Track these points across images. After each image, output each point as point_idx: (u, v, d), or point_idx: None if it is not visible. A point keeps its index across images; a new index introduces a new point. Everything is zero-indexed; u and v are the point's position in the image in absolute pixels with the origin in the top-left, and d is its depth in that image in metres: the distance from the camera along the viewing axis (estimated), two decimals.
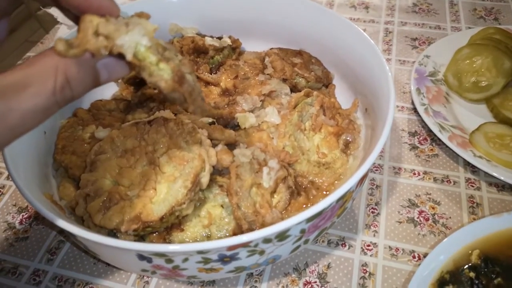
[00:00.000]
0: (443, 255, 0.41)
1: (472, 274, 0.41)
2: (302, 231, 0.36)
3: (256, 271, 0.47)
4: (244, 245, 0.34)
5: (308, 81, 0.54)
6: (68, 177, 0.48)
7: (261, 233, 0.32)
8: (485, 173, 0.55)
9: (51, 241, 0.52)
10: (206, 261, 0.35)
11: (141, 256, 0.34)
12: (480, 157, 0.53)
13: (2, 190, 0.58)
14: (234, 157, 0.44)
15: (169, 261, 0.35)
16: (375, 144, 0.39)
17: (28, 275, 0.49)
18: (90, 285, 0.47)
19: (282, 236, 0.35)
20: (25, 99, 0.24)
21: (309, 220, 0.35)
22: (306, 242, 0.39)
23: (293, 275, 0.47)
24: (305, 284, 0.46)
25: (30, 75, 0.24)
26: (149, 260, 0.35)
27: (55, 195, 0.45)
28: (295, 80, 0.54)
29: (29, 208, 0.56)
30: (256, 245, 0.34)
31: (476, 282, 0.40)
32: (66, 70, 0.25)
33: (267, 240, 0.34)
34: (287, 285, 0.46)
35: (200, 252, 0.33)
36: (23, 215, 0.55)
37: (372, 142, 0.43)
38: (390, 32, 0.80)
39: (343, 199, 0.38)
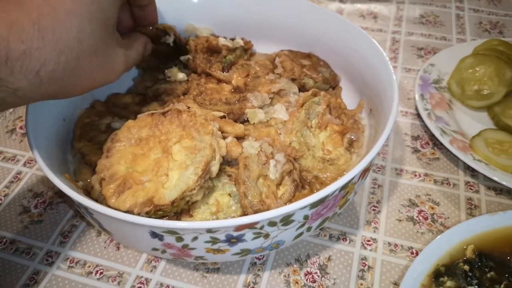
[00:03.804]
0: (439, 249, 0.43)
1: (466, 267, 0.43)
2: (306, 217, 0.38)
3: (259, 260, 0.49)
4: (251, 226, 0.36)
5: (316, 81, 0.57)
6: (85, 163, 0.50)
7: (267, 214, 0.34)
8: (484, 177, 0.57)
9: (64, 225, 0.54)
10: (214, 241, 0.37)
11: (154, 234, 0.37)
12: (479, 160, 0.55)
13: (19, 176, 0.60)
14: (243, 148, 0.46)
15: (180, 239, 0.37)
16: (377, 140, 0.41)
17: (41, 256, 0.51)
18: (100, 267, 0.50)
19: (286, 220, 0.37)
20: (134, 51, 0.45)
21: (312, 206, 0.37)
22: (309, 229, 0.41)
23: (295, 266, 0.49)
24: (306, 274, 0.48)
25: (134, 41, 0.46)
26: (160, 238, 0.37)
27: (73, 178, 0.48)
28: (303, 81, 0.56)
29: (44, 193, 0.58)
30: (261, 228, 0.37)
31: (470, 274, 0.42)
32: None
33: (272, 223, 0.37)
34: (288, 274, 0.48)
35: (209, 230, 0.35)
36: (38, 200, 0.57)
37: (375, 139, 0.46)
38: (397, 41, 0.82)
39: (345, 189, 0.40)
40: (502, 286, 0.41)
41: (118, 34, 0.41)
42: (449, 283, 0.42)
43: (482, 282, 0.42)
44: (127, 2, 0.47)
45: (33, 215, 0.56)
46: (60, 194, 0.57)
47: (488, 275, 0.42)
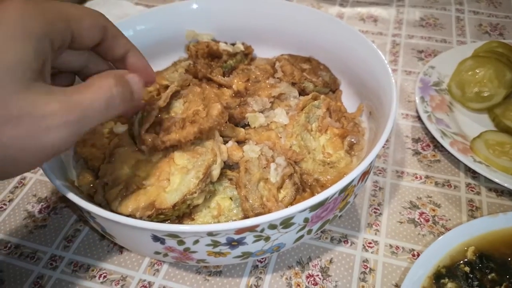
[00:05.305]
0: (440, 250, 0.43)
1: (467, 269, 0.43)
2: (306, 220, 0.39)
3: (261, 262, 0.50)
4: (251, 229, 0.36)
5: (316, 85, 0.57)
6: (88, 168, 0.51)
7: (267, 217, 0.35)
8: (485, 178, 0.57)
9: (68, 229, 0.55)
10: (215, 244, 0.37)
11: (156, 237, 0.37)
12: (480, 162, 0.55)
13: (23, 181, 0.61)
14: (244, 152, 0.47)
15: (181, 242, 0.37)
16: (376, 143, 0.42)
17: (45, 260, 0.52)
18: (104, 271, 0.50)
19: (286, 223, 0.37)
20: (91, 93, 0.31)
21: (312, 209, 0.38)
22: (309, 232, 0.42)
23: (297, 268, 0.49)
24: (307, 277, 0.48)
25: (90, 95, 0.31)
26: (162, 242, 0.38)
27: (75, 183, 0.48)
28: (303, 84, 0.57)
29: (48, 198, 0.59)
30: (262, 230, 0.37)
31: (471, 276, 0.42)
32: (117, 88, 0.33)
33: (272, 226, 0.37)
34: (290, 277, 0.49)
35: (210, 234, 0.36)
36: (42, 205, 0.58)
37: (374, 142, 0.46)
38: (397, 44, 0.83)
39: (345, 192, 0.40)
40: (502, 287, 0.41)
41: (51, 87, 0.30)
42: (449, 285, 0.42)
43: (483, 283, 0.42)
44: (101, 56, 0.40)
45: (37, 220, 0.56)
46: (63, 199, 0.58)
47: (489, 276, 0.42)
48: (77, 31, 0.34)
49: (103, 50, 0.39)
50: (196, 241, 0.37)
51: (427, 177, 0.59)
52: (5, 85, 0.27)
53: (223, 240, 0.37)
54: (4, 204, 0.58)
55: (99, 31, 0.36)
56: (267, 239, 0.38)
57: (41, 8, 0.31)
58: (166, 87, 0.59)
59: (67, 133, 0.29)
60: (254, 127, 0.52)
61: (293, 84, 0.57)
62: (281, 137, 0.51)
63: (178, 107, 0.46)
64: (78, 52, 0.38)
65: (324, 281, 0.48)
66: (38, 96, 0.28)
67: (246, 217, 0.44)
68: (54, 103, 0.29)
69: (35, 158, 0.29)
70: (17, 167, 0.30)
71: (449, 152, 0.57)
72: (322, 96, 0.54)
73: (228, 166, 0.47)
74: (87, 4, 0.92)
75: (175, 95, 0.47)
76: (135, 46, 0.41)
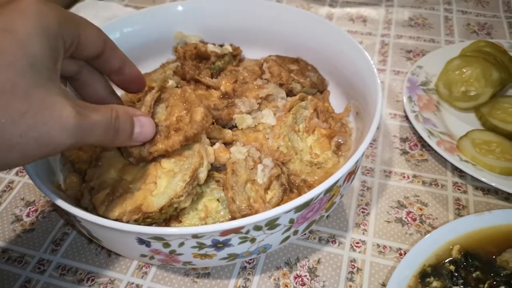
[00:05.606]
0: (426, 249, 0.44)
1: (452, 267, 0.43)
2: (291, 221, 0.39)
3: (249, 264, 0.50)
4: (236, 230, 0.36)
5: (304, 86, 0.57)
6: (75, 171, 0.50)
7: (252, 219, 0.35)
8: (472, 177, 0.57)
9: (56, 233, 0.54)
10: (201, 246, 0.37)
11: (141, 240, 0.37)
12: (466, 161, 0.56)
13: (11, 185, 0.61)
14: (231, 154, 0.47)
15: (167, 245, 0.37)
16: (361, 143, 0.42)
17: (33, 264, 0.51)
18: (92, 274, 0.50)
19: (272, 224, 0.38)
20: (98, 114, 0.33)
21: (297, 209, 0.38)
22: (295, 233, 0.42)
23: (285, 269, 0.49)
24: (295, 277, 0.49)
25: (104, 106, 0.35)
26: (148, 244, 0.38)
27: (62, 186, 0.48)
28: (291, 85, 0.57)
29: (36, 202, 0.58)
30: (247, 232, 0.37)
31: (456, 274, 0.43)
32: (117, 113, 0.35)
33: (257, 227, 0.37)
34: (278, 278, 0.49)
35: (195, 236, 0.36)
36: (30, 209, 0.58)
37: (360, 142, 0.46)
38: (386, 45, 0.83)
39: (330, 192, 0.40)
40: (486, 285, 0.41)
41: (66, 90, 0.32)
42: (435, 283, 0.42)
43: (468, 281, 0.42)
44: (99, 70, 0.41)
45: (25, 223, 0.56)
46: (51, 202, 0.58)
47: (474, 274, 0.43)
48: (83, 38, 0.35)
49: (101, 62, 0.40)
50: (182, 244, 0.37)
51: (414, 176, 0.59)
52: (29, 78, 0.28)
53: (208, 242, 0.37)
54: None
55: (101, 42, 0.38)
56: (252, 240, 0.39)
57: (54, 8, 0.32)
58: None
59: (74, 137, 0.31)
60: (242, 129, 0.52)
61: (281, 85, 0.57)
62: (268, 138, 0.51)
63: (161, 113, 0.46)
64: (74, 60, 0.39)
65: (312, 281, 0.48)
66: (55, 97, 0.30)
67: (233, 218, 0.44)
68: (70, 108, 0.30)
69: (41, 152, 0.30)
70: (21, 157, 0.30)
71: (436, 152, 0.58)
72: (309, 97, 0.55)
73: (215, 167, 0.47)
74: (76, 6, 0.91)
75: (157, 100, 0.47)
76: (128, 58, 0.42)
